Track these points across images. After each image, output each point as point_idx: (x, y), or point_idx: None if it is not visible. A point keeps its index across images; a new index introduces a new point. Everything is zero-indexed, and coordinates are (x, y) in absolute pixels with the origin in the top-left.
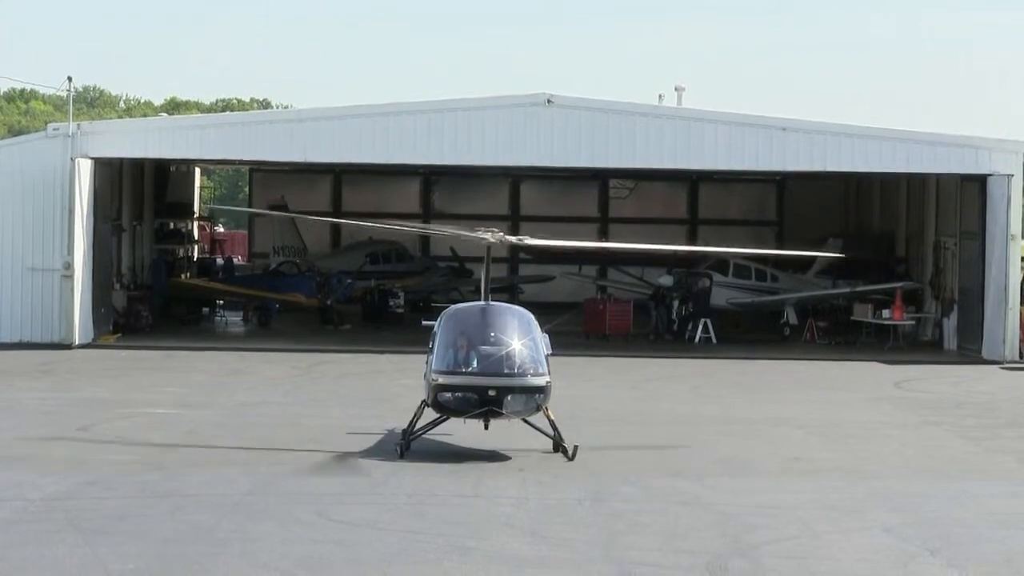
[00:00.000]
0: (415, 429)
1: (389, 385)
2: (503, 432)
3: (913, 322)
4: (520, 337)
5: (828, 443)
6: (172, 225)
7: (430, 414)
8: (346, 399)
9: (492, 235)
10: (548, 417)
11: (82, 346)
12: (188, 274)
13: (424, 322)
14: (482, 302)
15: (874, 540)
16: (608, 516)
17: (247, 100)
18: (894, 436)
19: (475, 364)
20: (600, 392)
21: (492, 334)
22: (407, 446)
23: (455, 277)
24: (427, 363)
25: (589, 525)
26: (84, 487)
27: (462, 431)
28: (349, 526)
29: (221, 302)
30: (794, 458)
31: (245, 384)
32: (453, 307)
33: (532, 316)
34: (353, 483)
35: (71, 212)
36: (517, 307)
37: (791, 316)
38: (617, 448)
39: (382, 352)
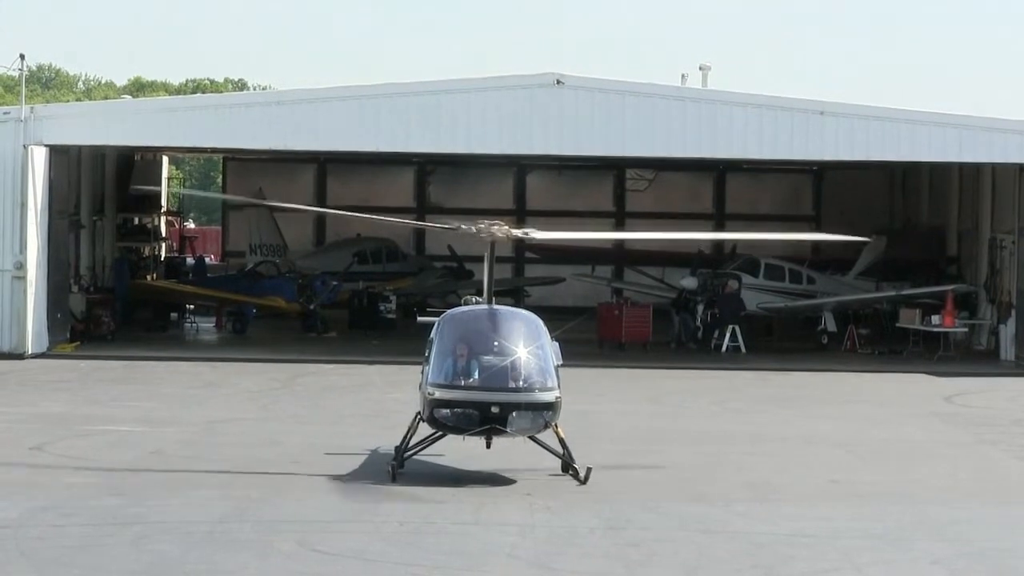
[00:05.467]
0: (409, 447)
1: (379, 399)
2: (507, 451)
3: (966, 329)
4: (527, 345)
5: (871, 464)
6: (137, 220)
7: (425, 430)
8: (331, 415)
9: (487, 229)
10: (558, 435)
11: (36, 356)
12: (154, 275)
13: (419, 319)
14: (485, 306)
15: (922, 572)
16: (624, 545)
17: (220, 81)
18: (944, 457)
19: (476, 376)
20: (616, 407)
21: (495, 342)
22: (400, 466)
23: (453, 278)
24: (423, 374)
25: (603, 556)
26: (38, 513)
27: (461, 450)
28: (334, 557)
29: (191, 307)
30: (833, 481)
31: (218, 398)
32: (452, 311)
33: (541, 322)
34: (339, 509)
35: (23, 206)
36: (524, 312)
37: (829, 322)
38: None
39: (371, 362)
